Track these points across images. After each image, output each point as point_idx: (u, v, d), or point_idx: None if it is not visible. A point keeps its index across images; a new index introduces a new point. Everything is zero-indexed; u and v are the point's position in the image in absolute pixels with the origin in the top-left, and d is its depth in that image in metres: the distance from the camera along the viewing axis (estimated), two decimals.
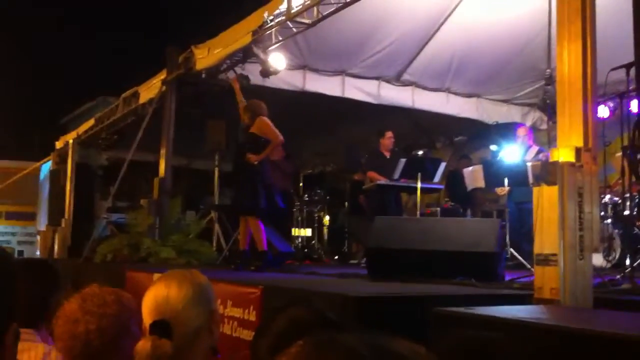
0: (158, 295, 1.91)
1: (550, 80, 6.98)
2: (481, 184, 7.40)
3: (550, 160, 3.43)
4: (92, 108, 16.61)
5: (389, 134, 8.64)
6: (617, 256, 5.95)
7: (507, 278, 4.85)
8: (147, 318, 1.89)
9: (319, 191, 10.19)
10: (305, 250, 9.65)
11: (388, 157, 8.62)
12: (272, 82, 8.03)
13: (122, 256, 8.14)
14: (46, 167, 14.85)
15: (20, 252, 21.47)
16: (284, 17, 7.03)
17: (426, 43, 8.38)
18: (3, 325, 1.08)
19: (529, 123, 9.97)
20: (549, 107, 6.72)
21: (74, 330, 1.93)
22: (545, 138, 7.87)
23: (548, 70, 7.40)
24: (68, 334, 1.94)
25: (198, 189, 10.80)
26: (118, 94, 11.21)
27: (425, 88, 9.49)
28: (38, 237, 16.33)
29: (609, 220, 6.41)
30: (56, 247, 11.61)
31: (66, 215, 11.79)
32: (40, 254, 13.89)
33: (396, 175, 7.95)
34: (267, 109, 6.92)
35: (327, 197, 10.22)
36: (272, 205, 6.73)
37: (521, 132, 7.81)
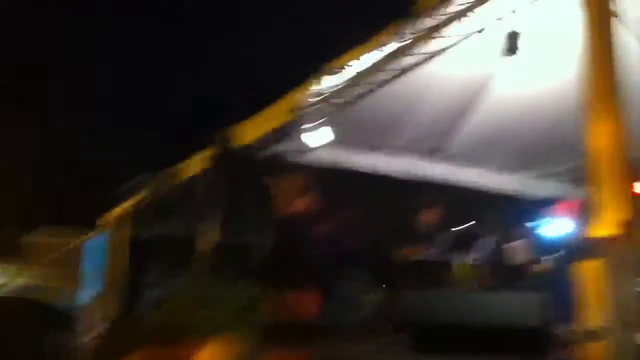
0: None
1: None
2: (524, 259, 7.35)
3: (591, 234, 3.46)
4: (137, 184, 17.01)
5: (431, 209, 8.69)
6: None
7: (553, 355, 4.77)
8: None
9: (364, 264, 10.13)
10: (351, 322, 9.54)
11: (431, 231, 8.65)
12: (308, 158, 8.22)
13: (169, 325, 8.18)
14: (92, 241, 15.13)
15: None
16: (319, 98, 7.28)
17: (462, 119, 8.49)
18: None
19: (572, 198, 9.89)
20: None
21: None
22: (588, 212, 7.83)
23: None
24: None
25: (240, 263, 10.88)
26: (161, 170, 11.50)
27: (463, 164, 9.54)
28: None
29: None
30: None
31: (114, 287, 11.92)
32: None
33: (437, 250, 7.95)
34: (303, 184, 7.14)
35: (372, 271, 10.16)
36: (320, 278, 6.81)
37: (558, 208, 7.82)
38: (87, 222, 15.62)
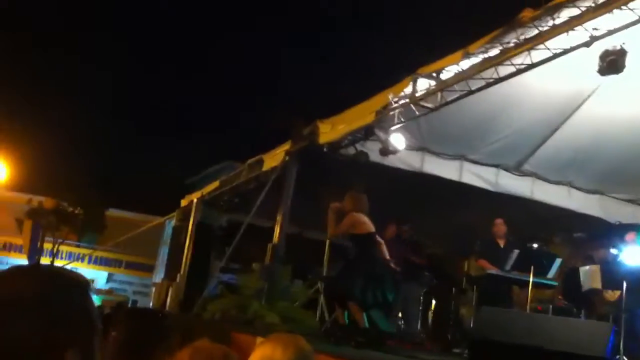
0: (264, 354, 2.04)
1: None
2: (598, 285, 7.10)
3: None
4: (217, 171, 17.43)
5: (499, 221, 8.54)
6: None
7: None
8: None
9: (426, 273, 10.08)
10: (408, 332, 9.51)
11: (502, 246, 8.47)
12: (390, 160, 8.19)
13: (230, 316, 8.38)
14: (170, 223, 15.63)
15: (134, 302, 22.48)
16: (408, 100, 7.22)
17: (551, 135, 8.29)
18: (61, 342, 1.22)
19: None
20: None
21: None
22: None
23: None
24: None
25: (308, 259, 11.00)
26: (242, 159, 11.74)
27: (545, 180, 9.33)
28: (153, 289, 17.06)
29: None
30: (169, 300, 12.08)
31: (182, 271, 12.29)
32: (153, 305, 14.49)
33: (508, 266, 7.79)
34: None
35: (434, 281, 10.09)
36: (376, 297, 6.79)
37: (630, 237, 7.55)
38: (165, 206, 16.16)
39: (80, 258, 21.88)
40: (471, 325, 8.05)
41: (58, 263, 19.90)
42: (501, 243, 8.52)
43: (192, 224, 12.63)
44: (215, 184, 12.61)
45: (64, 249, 22.32)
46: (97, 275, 22.74)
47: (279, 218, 9.10)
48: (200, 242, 12.34)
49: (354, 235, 7.03)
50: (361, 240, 6.99)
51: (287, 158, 9.24)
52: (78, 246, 23.10)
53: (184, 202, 14.28)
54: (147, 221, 18.01)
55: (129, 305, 20.78)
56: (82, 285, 1.32)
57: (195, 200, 13.11)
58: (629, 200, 9.67)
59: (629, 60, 5.33)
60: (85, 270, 21.74)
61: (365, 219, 7.00)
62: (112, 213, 22.79)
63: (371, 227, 7.00)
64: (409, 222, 9.92)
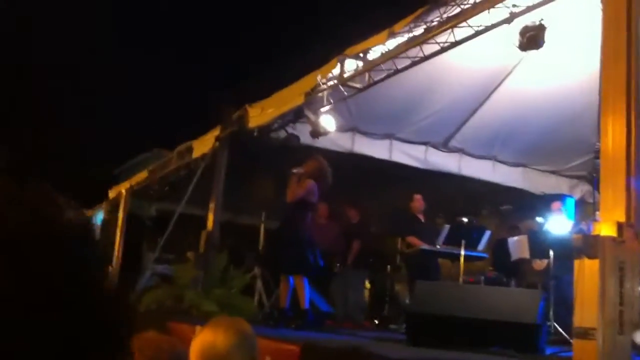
0: (205, 340, 2.02)
1: (599, 153, 6.98)
2: (526, 254, 7.34)
3: (593, 233, 3.46)
4: (145, 160, 17.05)
5: (417, 196, 8.72)
6: None
7: (548, 352, 4.79)
8: None
9: (371, 260, 10.15)
10: (345, 311, 9.61)
11: (422, 220, 8.66)
12: (321, 142, 8.20)
13: (166, 307, 8.26)
14: (98, 216, 15.22)
15: None
16: (336, 81, 7.24)
17: (475, 111, 8.48)
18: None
19: (577, 196, 9.89)
20: (596, 181, 6.71)
21: None
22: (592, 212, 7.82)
23: (597, 144, 7.41)
24: None
25: (243, 244, 10.94)
26: (171, 147, 11.51)
27: (472, 155, 9.54)
28: None
29: None
30: None
31: (113, 264, 12.02)
32: None
33: (440, 241, 7.96)
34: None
35: (370, 260, 10.21)
36: (316, 265, 6.82)
37: (555, 206, 7.84)
38: (90, 198, 15.68)
39: None
40: (407, 301, 8.22)
41: None
42: (421, 217, 8.71)
43: (122, 216, 12.36)
44: (144, 173, 12.33)
45: None
46: None
47: (211, 205, 9.01)
48: (131, 233, 12.09)
49: (302, 201, 6.94)
50: (306, 206, 6.94)
51: (217, 144, 9.12)
52: None
53: (111, 194, 13.93)
54: None
55: None
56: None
57: (123, 191, 12.81)
58: (552, 172, 9.99)
59: (547, 36, 5.49)
60: None
61: (315, 188, 6.98)
62: None
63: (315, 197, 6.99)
64: (345, 204, 9.99)
